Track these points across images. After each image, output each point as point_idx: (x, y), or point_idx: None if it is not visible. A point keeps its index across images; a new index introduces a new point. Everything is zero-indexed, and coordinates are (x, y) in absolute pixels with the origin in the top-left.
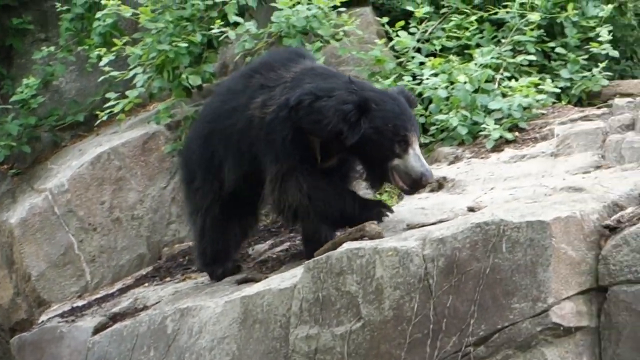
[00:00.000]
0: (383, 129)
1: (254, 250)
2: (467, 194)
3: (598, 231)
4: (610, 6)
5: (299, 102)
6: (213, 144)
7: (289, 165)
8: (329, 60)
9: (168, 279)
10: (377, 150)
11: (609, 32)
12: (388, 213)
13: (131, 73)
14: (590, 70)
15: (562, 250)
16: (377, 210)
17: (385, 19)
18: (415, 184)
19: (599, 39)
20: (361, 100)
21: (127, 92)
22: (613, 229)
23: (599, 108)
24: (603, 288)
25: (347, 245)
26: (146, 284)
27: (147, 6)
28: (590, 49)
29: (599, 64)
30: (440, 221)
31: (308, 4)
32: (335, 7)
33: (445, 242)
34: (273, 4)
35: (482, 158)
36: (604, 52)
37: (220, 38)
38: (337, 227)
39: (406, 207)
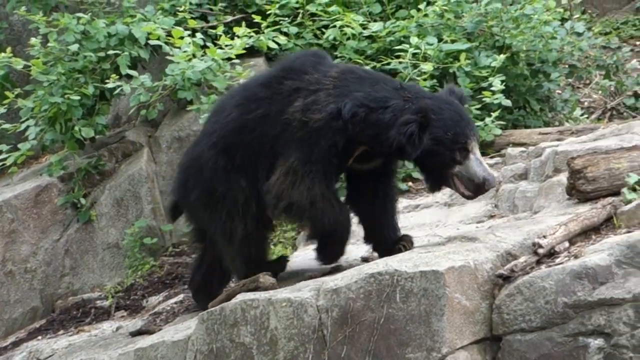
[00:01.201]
0: (443, 139)
1: (147, 302)
2: (361, 244)
3: (492, 280)
4: (502, 56)
5: (354, 115)
6: (233, 157)
7: (314, 168)
8: None
9: (62, 332)
10: (437, 159)
11: (502, 81)
12: None
13: (23, 125)
14: (483, 119)
15: (456, 300)
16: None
17: None
18: (478, 189)
19: (492, 88)
20: (422, 114)
21: (19, 145)
22: (506, 278)
23: (492, 157)
24: (497, 337)
25: (241, 297)
26: (40, 337)
27: (38, 58)
28: (483, 99)
29: (492, 113)
30: (335, 271)
31: (202, 56)
32: (229, 59)
33: (340, 293)
34: (168, 57)
35: None
36: (496, 101)
37: (116, 92)
38: (320, 238)
39: (301, 258)
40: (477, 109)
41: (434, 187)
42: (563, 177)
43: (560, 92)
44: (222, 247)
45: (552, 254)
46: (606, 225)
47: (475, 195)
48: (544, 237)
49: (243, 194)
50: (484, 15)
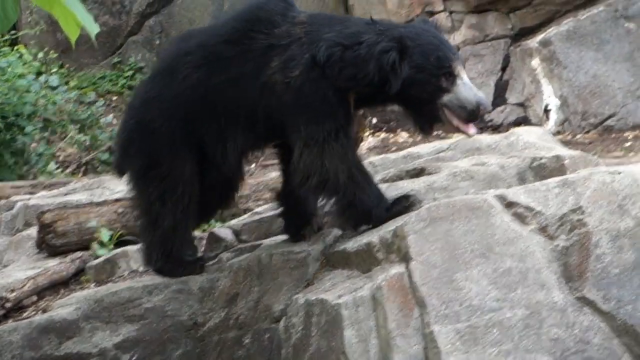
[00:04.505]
0: (425, 65)
1: None
2: None
3: None
4: None
5: (329, 57)
6: (195, 127)
7: (333, 127)
8: None
9: None
10: (423, 90)
11: None
12: (416, 204)
13: None
14: None
15: None
16: (402, 206)
17: None
18: (472, 115)
19: None
20: (398, 41)
21: None
22: None
23: None
24: None
25: None
26: None
27: None
28: None
29: None
30: None
31: None
32: None
33: None
34: None
35: None
36: None
37: None
38: (357, 223)
39: None
40: None
41: (425, 127)
42: (33, 231)
43: (35, 145)
44: (143, 229)
45: (20, 307)
46: (75, 279)
47: (470, 123)
48: (12, 291)
49: (188, 178)
50: None
